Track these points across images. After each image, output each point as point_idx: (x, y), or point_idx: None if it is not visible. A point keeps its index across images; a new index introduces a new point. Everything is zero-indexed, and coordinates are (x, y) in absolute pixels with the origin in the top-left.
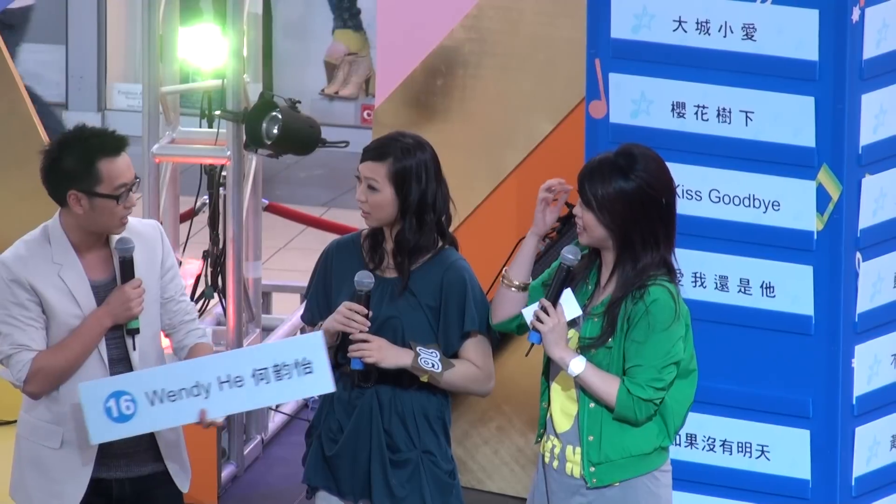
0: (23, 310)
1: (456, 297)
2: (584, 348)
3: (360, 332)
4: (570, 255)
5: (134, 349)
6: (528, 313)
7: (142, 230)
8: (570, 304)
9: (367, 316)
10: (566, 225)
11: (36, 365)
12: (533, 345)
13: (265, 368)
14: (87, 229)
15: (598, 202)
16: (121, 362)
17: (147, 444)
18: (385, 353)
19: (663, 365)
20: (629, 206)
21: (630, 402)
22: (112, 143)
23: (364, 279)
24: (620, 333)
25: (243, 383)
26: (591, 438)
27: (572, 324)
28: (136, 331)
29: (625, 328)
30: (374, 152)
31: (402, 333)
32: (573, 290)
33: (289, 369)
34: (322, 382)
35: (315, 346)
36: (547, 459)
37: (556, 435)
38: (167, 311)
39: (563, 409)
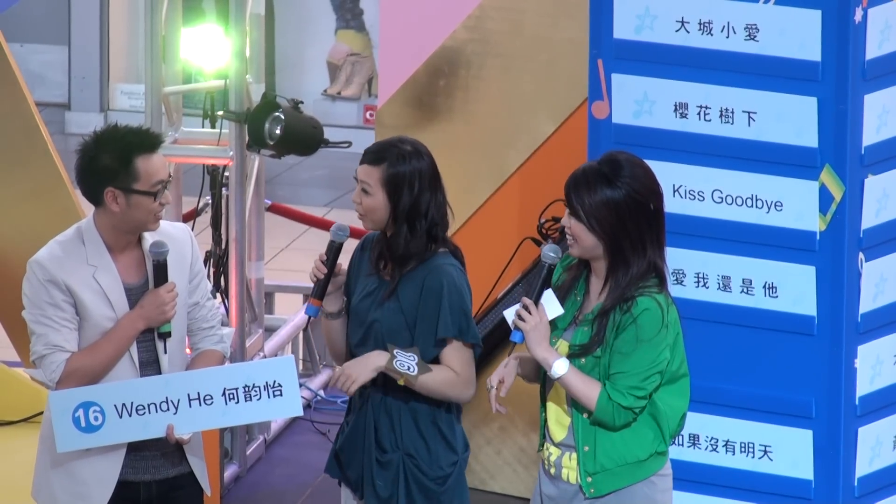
0: (58, 310)
1: (431, 302)
2: (572, 356)
3: (317, 276)
4: (551, 252)
5: (164, 352)
6: (510, 314)
7: (172, 233)
8: (551, 304)
9: (324, 262)
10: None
11: (70, 366)
12: (515, 344)
13: (235, 388)
14: (123, 228)
15: (585, 211)
16: (150, 365)
17: (176, 445)
18: (357, 372)
19: (647, 375)
20: (616, 213)
21: (609, 408)
22: (149, 141)
23: (337, 230)
24: (608, 343)
25: (213, 402)
26: (586, 449)
27: (553, 324)
28: (168, 334)
29: (612, 338)
30: (370, 156)
31: (381, 337)
32: (562, 304)
33: (258, 391)
34: (291, 405)
35: (287, 369)
36: (546, 466)
37: (554, 443)
38: (190, 314)
39: (557, 419)
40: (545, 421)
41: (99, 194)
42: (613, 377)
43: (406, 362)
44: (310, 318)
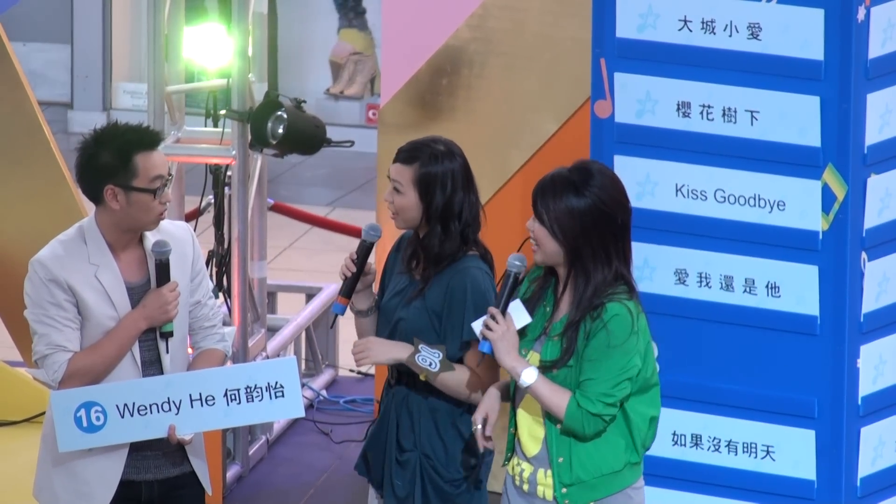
0: (60, 310)
1: (456, 304)
2: (545, 369)
3: (345, 275)
4: (516, 261)
5: (167, 352)
6: (478, 324)
7: (173, 231)
8: (518, 313)
9: (354, 261)
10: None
11: (72, 366)
12: (484, 355)
13: (237, 389)
14: (123, 227)
15: (549, 216)
16: (153, 364)
17: (177, 445)
18: (377, 351)
19: (617, 382)
20: (580, 221)
21: (579, 416)
22: (148, 138)
23: (370, 230)
24: (579, 352)
25: (214, 402)
26: (560, 460)
27: (522, 332)
28: (170, 334)
29: (583, 346)
30: (403, 155)
31: (406, 336)
32: (531, 315)
33: (260, 392)
34: (293, 406)
35: (288, 370)
36: (517, 482)
37: (526, 459)
38: (192, 313)
39: (530, 432)
40: (513, 436)
41: (99, 192)
42: (583, 384)
43: (429, 358)
44: (336, 315)
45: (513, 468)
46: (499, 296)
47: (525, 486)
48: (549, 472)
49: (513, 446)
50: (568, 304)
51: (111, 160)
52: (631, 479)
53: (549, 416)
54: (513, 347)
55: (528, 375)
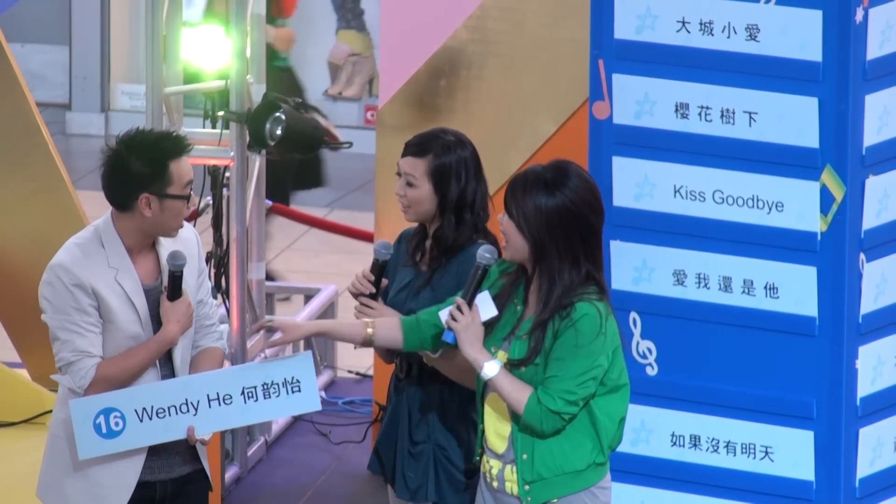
0: (84, 315)
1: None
2: (512, 367)
3: (361, 294)
4: (486, 254)
5: (179, 353)
6: (445, 314)
7: (180, 232)
8: (485, 305)
9: (372, 282)
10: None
11: (100, 373)
12: (447, 344)
13: (254, 387)
14: (150, 232)
15: (517, 211)
16: (165, 364)
17: (187, 443)
18: (469, 341)
19: (581, 381)
20: (546, 218)
21: (538, 412)
22: (180, 145)
23: (381, 248)
24: (546, 350)
25: (232, 401)
26: (524, 457)
27: (490, 325)
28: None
29: (550, 344)
30: (414, 148)
31: None
32: (501, 312)
33: (277, 388)
34: (309, 401)
35: (304, 365)
36: (488, 479)
37: (495, 456)
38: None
39: (496, 430)
40: (483, 432)
41: (131, 200)
42: (547, 381)
43: None
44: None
45: (483, 465)
46: (466, 287)
47: (495, 484)
48: (515, 469)
49: (482, 443)
50: (535, 303)
51: (145, 169)
52: (595, 479)
53: (515, 414)
54: (476, 339)
55: (490, 368)
